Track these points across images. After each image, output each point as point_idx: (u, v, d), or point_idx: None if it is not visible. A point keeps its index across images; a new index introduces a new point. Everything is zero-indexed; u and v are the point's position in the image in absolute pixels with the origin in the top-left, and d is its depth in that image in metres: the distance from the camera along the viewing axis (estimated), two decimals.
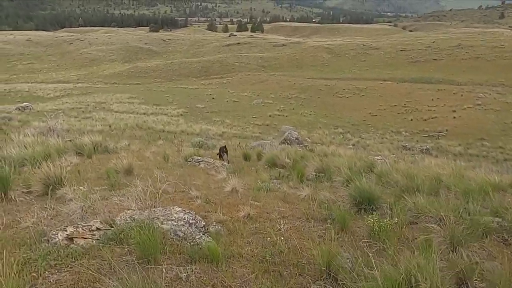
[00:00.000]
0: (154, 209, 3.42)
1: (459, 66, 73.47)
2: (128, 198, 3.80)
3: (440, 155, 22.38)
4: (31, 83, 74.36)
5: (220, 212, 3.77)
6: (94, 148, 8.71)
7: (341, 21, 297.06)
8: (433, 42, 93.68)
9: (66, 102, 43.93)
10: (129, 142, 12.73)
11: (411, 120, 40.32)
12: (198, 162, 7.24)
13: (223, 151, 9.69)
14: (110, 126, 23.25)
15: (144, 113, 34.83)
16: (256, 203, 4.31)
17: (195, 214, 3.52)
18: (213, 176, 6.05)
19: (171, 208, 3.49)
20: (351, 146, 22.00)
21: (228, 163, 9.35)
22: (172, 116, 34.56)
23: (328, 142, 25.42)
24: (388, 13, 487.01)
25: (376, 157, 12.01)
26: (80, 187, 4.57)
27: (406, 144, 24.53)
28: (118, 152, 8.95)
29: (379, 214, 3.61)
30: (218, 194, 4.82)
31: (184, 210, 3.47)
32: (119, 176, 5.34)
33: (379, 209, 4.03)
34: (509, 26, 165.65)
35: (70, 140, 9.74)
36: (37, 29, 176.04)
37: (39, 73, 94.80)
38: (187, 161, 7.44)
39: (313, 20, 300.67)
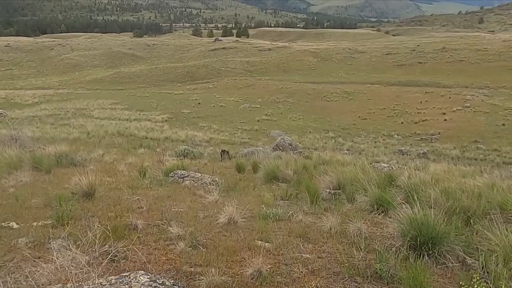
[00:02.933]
0: (101, 280, 2.05)
1: (444, 69, 74.01)
2: (70, 245, 2.44)
3: (438, 159, 21.45)
4: (9, 89, 71.71)
5: (214, 266, 2.43)
6: (57, 161, 7.24)
7: (325, 26, 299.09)
8: (418, 45, 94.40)
9: (45, 109, 41.92)
10: (105, 152, 11.24)
11: (402, 123, 39.66)
12: (182, 177, 5.86)
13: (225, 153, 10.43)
14: (88, 134, 21.63)
15: (127, 119, 33.15)
16: (266, 244, 3.00)
17: (174, 285, 2.13)
18: (202, 198, 4.70)
19: (131, 276, 2.09)
20: (346, 151, 20.88)
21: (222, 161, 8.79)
22: (156, 122, 32.97)
23: (320, 147, 24.26)
24: (371, 18, 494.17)
25: (383, 165, 10.84)
26: (11, 224, 3.18)
27: (402, 148, 23.57)
28: (87, 165, 7.50)
29: (467, 268, 2.34)
30: (209, 229, 3.48)
31: (155, 282, 2.07)
32: (73, 202, 3.96)
33: (450, 253, 2.78)
34: (489, 31, 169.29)
35: (31, 151, 8.23)
36: (17, 35, 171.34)
37: (18, 79, 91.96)
38: (168, 176, 6.07)
39: (298, 25, 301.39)
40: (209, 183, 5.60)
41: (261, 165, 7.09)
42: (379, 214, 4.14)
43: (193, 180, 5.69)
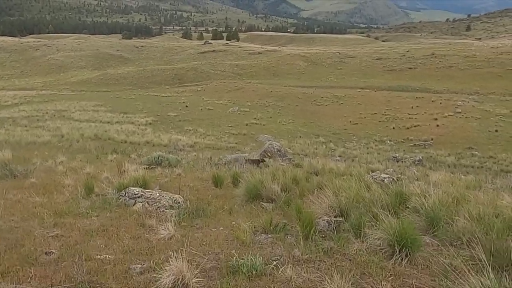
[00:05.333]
0: None
1: (434, 74, 73.99)
2: None
3: (434, 166, 20.45)
4: None
5: None
6: None
7: (315, 31, 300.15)
8: (407, 51, 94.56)
9: (23, 110, 40.06)
10: (68, 158, 9.83)
11: (393, 128, 38.83)
12: (134, 198, 4.49)
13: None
14: (62, 137, 20.08)
15: (108, 122, 31.55)
16: None
17: None
18: (151, 232, 3.37)
19: None
20: (338, 158, 19.72)
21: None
22: (139, 125, 31.43)
23: (311, 153, 23.06)
24: (361, 24, 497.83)
25: (383, 175, 9.63)
26: None
27: (396, 155, 22.53)
28: (30, 177, 6.11)
29: None
30: None
31: None
32: None
33: None
34: (476, 38, 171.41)
35: None
36: (3, 35, 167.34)
37: (0, 79, 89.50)
38: (120, 195, 4.71)
39: (288, 30, 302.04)
40: (169, 206, 4.27)
41: (243, 178, 5.81)
42: (402, 260, 2.89)
43: (147, 202, 4.34)
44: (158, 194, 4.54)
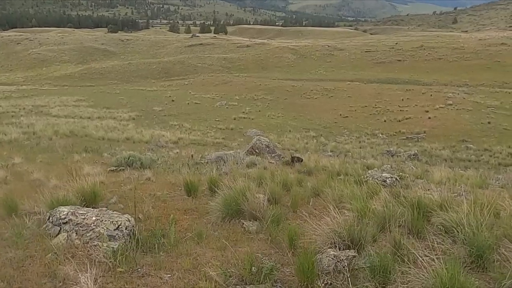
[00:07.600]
0: None
1: (423, 66, 73.70)
2: None
3: (430, 160, 19.57)
4: None
5: None
6: None
7: (304, 24, 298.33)
8: (396, 43, 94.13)
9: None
10: (25, 159, 8.52)
11: (385, 121, 38.02)
12: (59, 224, 3.18)
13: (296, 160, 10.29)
14: (34, 134, 18.60)
15: (89, 117, 30.01)
16: None
17: None
18: None
19: None
20: (330, 153, 18.67)
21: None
22: (121, 120, 29.95)
23: (302, 148, 21.98)
24: (349, 18, 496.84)
25: (384, 175, 8.56)
26: None
27: (391, 149, 21.54)
28: None
29: None
30: None
31: None
32: None
33: None
34: (462, 31, 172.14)
35: None
36: None
37: None
38: (44, 218, 3.42)
39: (277, 23, 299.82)
40: (107, 236, 3.00)
41: (220, 187, 4.64)
42: None
43: (75, 232, 3.04)
44: (94, 218, 3.21)
